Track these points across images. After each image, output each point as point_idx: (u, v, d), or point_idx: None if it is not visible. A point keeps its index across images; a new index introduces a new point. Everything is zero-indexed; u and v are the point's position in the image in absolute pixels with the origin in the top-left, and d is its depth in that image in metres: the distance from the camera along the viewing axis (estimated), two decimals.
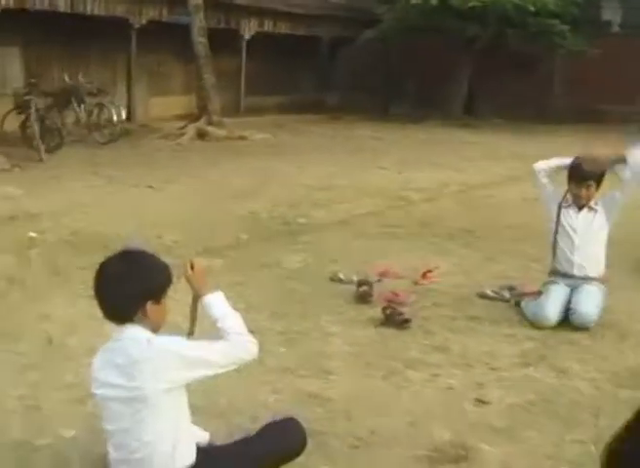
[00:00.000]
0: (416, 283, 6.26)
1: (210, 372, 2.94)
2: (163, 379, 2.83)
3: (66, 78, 15.11)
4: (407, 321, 5.24)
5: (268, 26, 20.67)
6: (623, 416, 4.29)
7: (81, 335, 4.90)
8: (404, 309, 5.43)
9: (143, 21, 17.49)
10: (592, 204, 5.37)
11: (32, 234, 7.79)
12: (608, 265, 5.58)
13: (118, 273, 2.91)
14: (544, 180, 5.46)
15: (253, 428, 3.34)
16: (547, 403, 4.17)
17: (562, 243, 5.42)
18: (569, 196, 5.40)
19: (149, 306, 2.89)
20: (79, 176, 11.54)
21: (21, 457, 3.51)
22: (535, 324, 5.23)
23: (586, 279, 5.35)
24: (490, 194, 10.51)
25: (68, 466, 3.45)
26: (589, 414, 4.04)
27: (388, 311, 5.33)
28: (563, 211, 5.41)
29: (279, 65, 21.89)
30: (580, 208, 5.39)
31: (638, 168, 5.17)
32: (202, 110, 16.55)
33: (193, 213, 8.98)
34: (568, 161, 5.33)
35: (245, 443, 3.19)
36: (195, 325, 3.21)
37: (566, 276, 5.40)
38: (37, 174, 11.90)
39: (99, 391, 2.96)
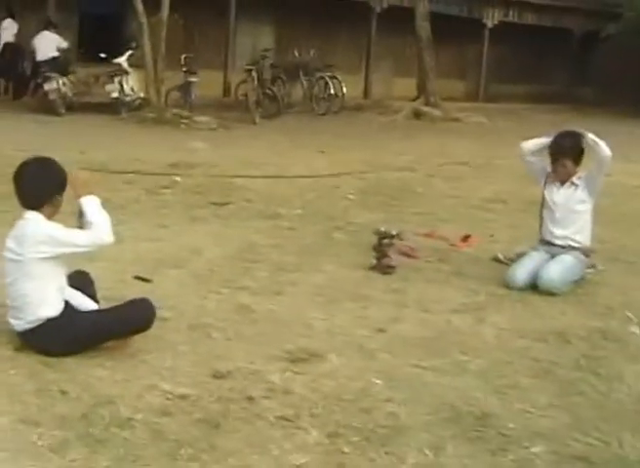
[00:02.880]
0: (452, 245, 6.65)
1: (74, 250, 3.97)
2: (37, 251, 3.87)
3: (296, 53, 16.56)
4: (390, 267, 5.73)
5: (513, 16, 20.82)
6: (487, 357, 4.66)
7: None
8: (404, 260, 5.92)
9: (384, 5, 18.51)
10: (574, 179, 5.55)
11: (176, 178, 9.10)
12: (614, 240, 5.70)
13: (37, 172, 4.01)
14: (530, 158, 5.77)
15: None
16: (433, 340, 4.45)
17: (545, 215, 5.72)
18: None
19: (56, 199, 3.95)
20: (268, 138, 12.82)
21: None
22: (506, 284, 5.50)
23: (567, 248, 5.52)
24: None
25: None
26: (459, 352, 4.32)
27: (379, 258, 5.84)
28: (547, 185, 5.69)
29: (525, 56, 21.89)
30: (563, 183, 5.58)
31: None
32: (421, 91, 17.26)
33: (331, 174, 9.85)
34: (549, 140, 5.56)
35: (104, 311, 4.12)
36: (81, 220, 4.14)
37: (548, 244, 5.62)
38: (237, 134, 13.37)
39: (3, 253, 4.03)
